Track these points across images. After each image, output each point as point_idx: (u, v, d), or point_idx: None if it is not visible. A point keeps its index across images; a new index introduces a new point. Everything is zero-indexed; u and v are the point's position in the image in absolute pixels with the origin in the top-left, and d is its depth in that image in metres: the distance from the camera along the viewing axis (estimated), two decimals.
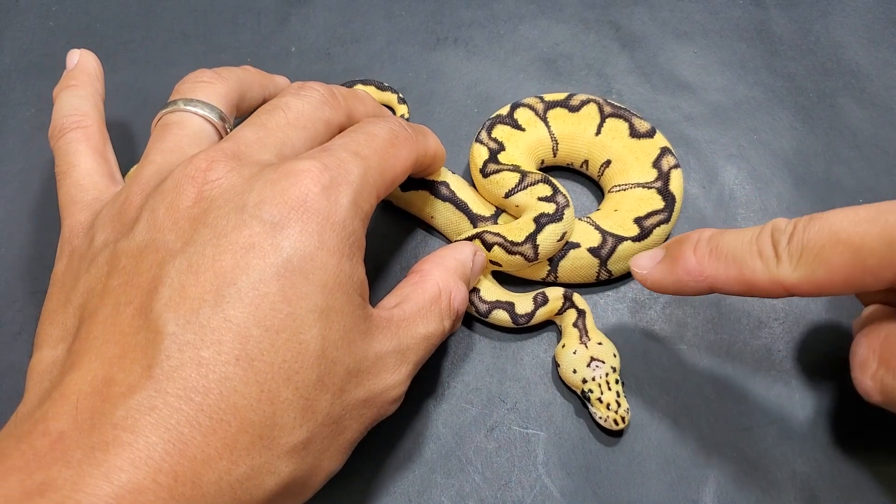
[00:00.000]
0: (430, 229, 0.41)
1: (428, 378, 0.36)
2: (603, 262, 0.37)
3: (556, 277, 0.38)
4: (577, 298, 0.36)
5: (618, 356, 0.34)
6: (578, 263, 0.37)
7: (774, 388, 0.36)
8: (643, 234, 0.37)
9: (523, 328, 0.37)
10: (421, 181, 0.38)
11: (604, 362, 0.34)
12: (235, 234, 0.24)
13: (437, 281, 0.31)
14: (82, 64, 0.36)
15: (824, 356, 0.37)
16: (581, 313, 0.36)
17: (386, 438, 0.34)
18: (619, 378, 0.34)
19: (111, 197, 0.30)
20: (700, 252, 0.30)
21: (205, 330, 0.23)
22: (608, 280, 0.39)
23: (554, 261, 0.37)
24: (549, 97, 0.41)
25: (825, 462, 0.34)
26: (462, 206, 0.38)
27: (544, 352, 0.37)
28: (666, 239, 0.39)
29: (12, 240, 0.41)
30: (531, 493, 0.33)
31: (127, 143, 0.45)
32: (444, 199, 0.38)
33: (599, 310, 0.38)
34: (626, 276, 0.39)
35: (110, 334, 0.24)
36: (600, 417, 0.33)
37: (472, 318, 0.37)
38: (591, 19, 0.49)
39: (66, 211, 0.31)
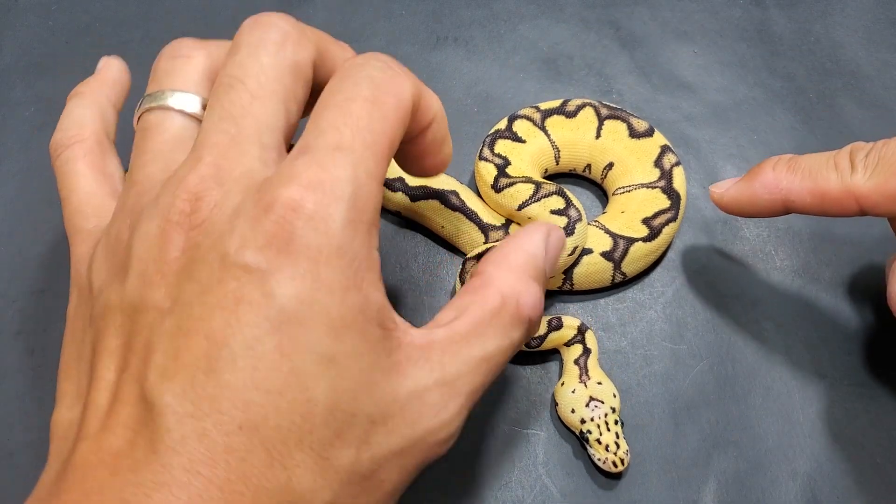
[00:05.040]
0: (438, 239, 0.41)
1: None
2: (617, 265, 0.37)
3: (571, 285, 0.37)
4: (589, 336, 0.36)
5: (618, 396, 0.34)
6: (593, 269, 0.37)
7: (774, 388, 0.36)
8: (653, 234, 0.37)
9: (532, 352, 0.36)
10: (430, 192, 0.38)
11: (603, 402, 0.33)
12: (221, 288, 0.22)
13: (498, 287, 0.26)
14: (100, 70, 0.34)
15: (824, 356, 0.37)
16: (587, 352, 0.35)
17: None
18: (618, 419, 0.33)
19: (105, 230, 0.28)
20: (779, 168, 0.32)
21: (202, 400, 0.21)
22: (622, 282, 0.39)
23: (568, 269, 0.37)
24: (544, 105, 0.41)
25: (825, 462, 0.34)
26: (472, 216, 0.38)
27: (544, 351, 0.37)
28: (673, 239, 0.39)
29: (12, 239, 0.41)
30: (531, 493, 0.33)
31: (127, 144, 0.44)
32: (454, 208, 0.38)
33: (600, 310, 0.38)
34: (638, 278, 0.39)
35: (113, 403, 0.23)
36: (598, 459, 0.32)
37: None
38: (591, 19, 0.49)
39: (70, 241, 0.30)
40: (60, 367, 0.27)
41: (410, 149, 0.28)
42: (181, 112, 0.28)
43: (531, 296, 0.26)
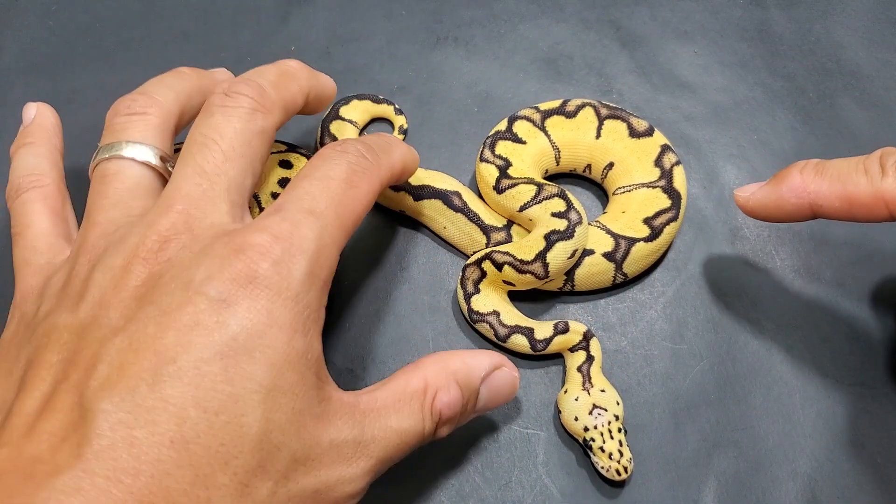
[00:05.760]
0: (438, 240, 0.40)
1: None
2: (618, 266, 0.37)
3: (572, 286, 0.37)
4: (594, 343, 0.35)
5: (621, 404, 0.34)
6: (594, 270, 0.37)
7: (774, 388, 0.36)
8: (654, 234, 0.37)
9: (538, 356, 0.36)
10: (433, 191, 0.38)
11: (606, 410, 0.33)
12: (180, 311, 0.23)
13: (426, 375, 0.29)
14: (39, 119, 0.35)
15: (825, 356, 0.37)
16: (590, 359, 0.35)
17: None
18: (621, 426, 0.33)
19: (61, 264, 0.29)
20: (806, 171, 0.31)
21: (139, 409, 0.22)
22: (623, 283, 0.38)
23: (570, 270, 0.37)
24: (544, 106, 0.41)
25: (825, 462, 0.34)
26: (474, 217, 0.38)
27: None
28: (674, 238, 0.39)
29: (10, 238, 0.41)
30: (531, 493, 0.33)
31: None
32: (456, 209, 0.38)
33: (600, 310, 0.38)
34: (638, 278, 0.39)
35: (44, 411, 0.23)
36: (602, 467, 0.32)
37: (467, 321, 0.37)
38: (591, 19, 0.49)
39: (19, 273, 0.30)
40: None
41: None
42: (139, 162, 0.30)
43: (449, 395, 0.28)
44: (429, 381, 0.28)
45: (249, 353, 0.23)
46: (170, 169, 0.31)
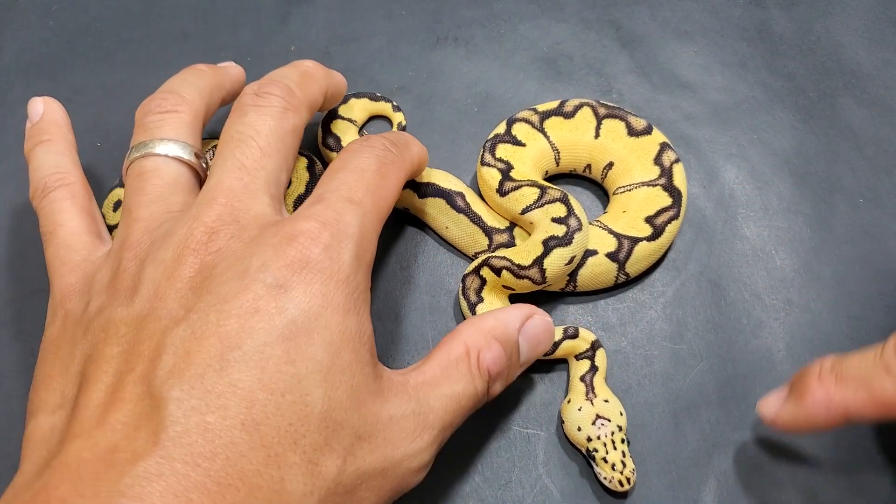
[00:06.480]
0: (439, 239, 0.40)
1: None
2: (621, 266, 0.37)
3: (574, 287, 0.37)
4: (600, 354, 0.35)
5: (624, 414, 0.34)
6: (598, 270, 0.37)
7: (775, 388, 0.36)
8: (656, 233, 0.37)
9: (543, 359, 0.36)
10: (436, 190, 0.38)
11: (609, 420, 0.33)
12: (239, 298, 0.24)
13: (464, 339, 0.29)
14: (49, 115, 0.35)
15: (825, 356, 0.36)
16: (594, 369, 0.35)
17: None
18: (625, 437, 0.33)
19: (102, 261, 0.29)
20: (825, 380, 0.29)
21: (210, 395, 0.23)
22: (625, 282, 0.38)
23: (572, 270, 0.37)
24: (542, 107, 0.41)
25: (825, 462, 0.34)
26: (476, 219, 0.38)
27: None
28: (675, 237, 0.39)
29: (12, 239, 0.41)
30: (531, 493, 0.33)
31: (125, 144, 0.44)
32: (459, 210, 0.38)
33: (600, 310, 0.38)
34: (639, 278, 0.39)
35: (112, 402, 0.24)
36: (605, 478, 0.32)
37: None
38: (591, 19, 0.49)
39: (55, 272, 0.30)
40: (38, 380, 0.27)
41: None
42: (174, 159, 0.31)
43: (491, 352, 0.29)
44: (469, 343, 0.29)
45: (308, 335, 0.24)
46: (204, 166, 0.32)
